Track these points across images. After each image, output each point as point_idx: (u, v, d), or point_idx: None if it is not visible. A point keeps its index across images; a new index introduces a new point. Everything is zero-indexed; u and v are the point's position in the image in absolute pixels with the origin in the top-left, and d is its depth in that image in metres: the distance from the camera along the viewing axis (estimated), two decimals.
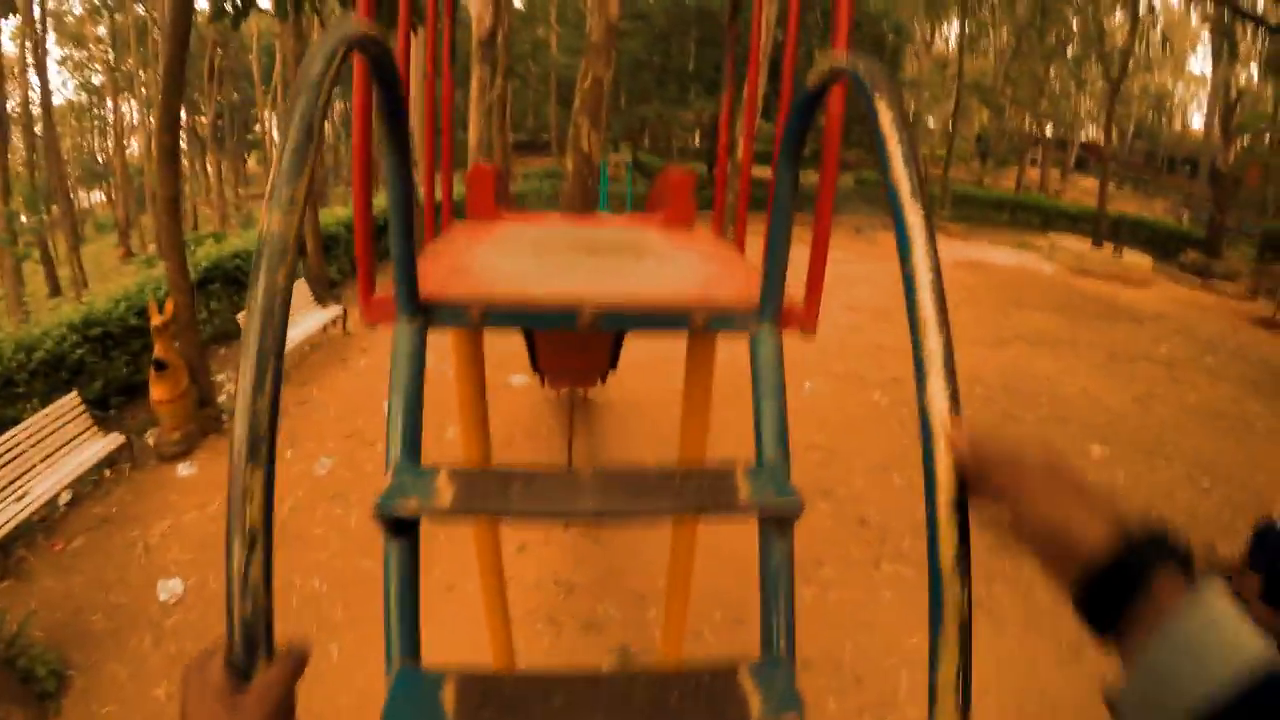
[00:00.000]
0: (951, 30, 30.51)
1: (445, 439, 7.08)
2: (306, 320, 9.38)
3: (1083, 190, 35.81)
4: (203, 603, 5.03)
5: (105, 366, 7.42)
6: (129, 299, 7.85)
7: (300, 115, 0.73)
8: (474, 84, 18.08)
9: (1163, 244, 21.28)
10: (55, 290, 20.35)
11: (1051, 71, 30.32)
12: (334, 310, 9.87)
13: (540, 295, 1.55)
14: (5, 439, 5.51)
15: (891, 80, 0.84)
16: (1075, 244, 18.19)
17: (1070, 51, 27.89)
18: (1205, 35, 31.41)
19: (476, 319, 1.48)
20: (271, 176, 0.72)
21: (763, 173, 25.98)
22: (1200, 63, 37.38)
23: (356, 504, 6.06)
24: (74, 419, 6.12)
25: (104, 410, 7.46)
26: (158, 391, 6.42)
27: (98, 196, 40.50)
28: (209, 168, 26.52)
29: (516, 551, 5.30)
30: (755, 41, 2.49)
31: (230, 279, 9.85)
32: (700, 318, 1.56)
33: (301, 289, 9.82)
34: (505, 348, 9.53)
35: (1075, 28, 25.31)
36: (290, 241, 0.69)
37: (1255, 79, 24.81)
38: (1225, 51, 21.10)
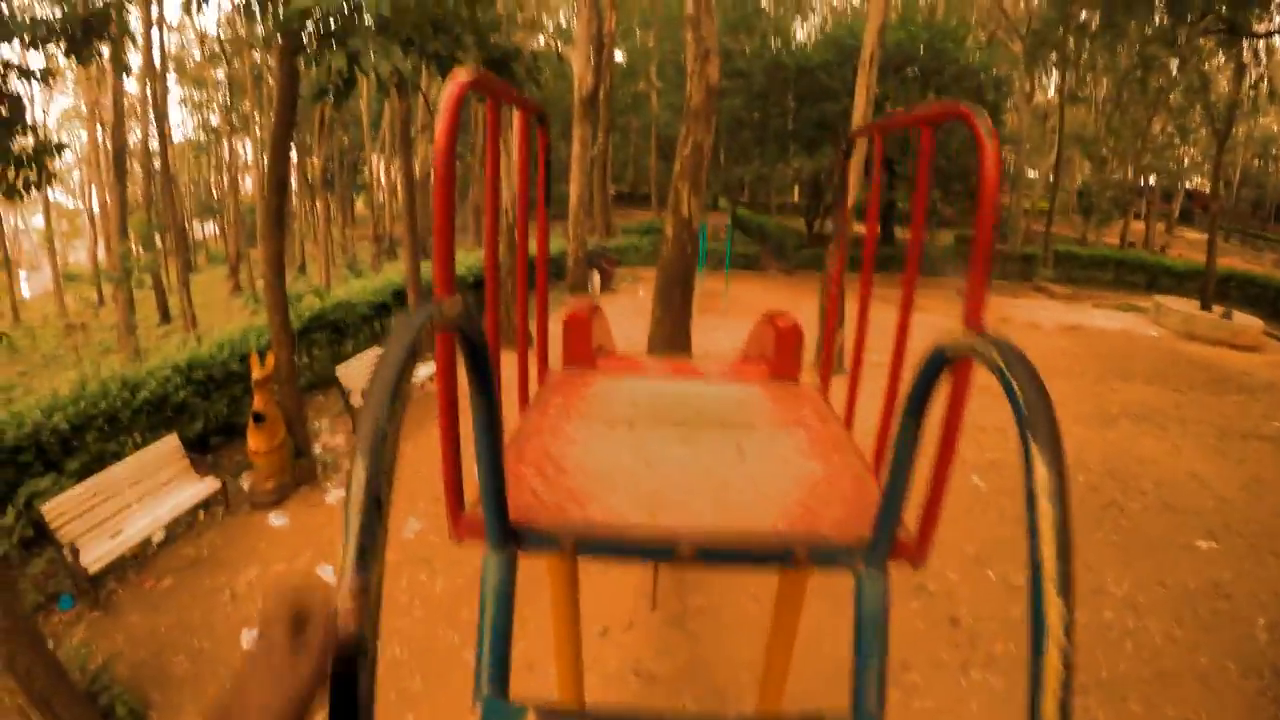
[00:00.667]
0: (1051, 81, 29.69)
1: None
2: None
3: (1189, 243, 33.90)
4: None
5: (206, 407, 7.84)
6: (233, 345, 8.31)
7: (365, 479, 0.59)
8: (575, 142, 18.62)
9: (1273, 302, 19.84)
10: (165, 318, 21.79)
11: (1154, 122, 29.00)
12: (429, 367, 10.12)
13: (637, 526, 1.49)
14: (104, 476, 5.85)
15: (1043, 392, 0.74)
16: (1182, 305, 17.13)
17: (1173, 100, 26.58)
18: None
19: (570, 550, 1.43)
20: (340, 561, 0.59)
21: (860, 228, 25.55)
22: None
23: (441, 571, 6.13)
24: (173, 461, 6.45)
25: (203, 449, 7.88)
26: (255, 442, 6.71)
27: (211, 228, 43.44)
28: (318, 209, 28.06)
29: (599, 636, 5.22)
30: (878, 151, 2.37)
31: (332, 328, 10.35)
32: (803, 553, 1.46)
33: None
34: None
35: (1177, 76, 24.15)
36: (371, 639, 0.57)
37: None
38: None
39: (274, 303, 6.87)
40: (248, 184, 35.77)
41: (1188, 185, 38.65)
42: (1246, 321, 15.88)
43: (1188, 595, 5.88)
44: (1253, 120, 28.95)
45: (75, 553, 5.33)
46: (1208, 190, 40.12)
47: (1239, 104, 19.30)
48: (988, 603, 5.77)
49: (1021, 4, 27.99)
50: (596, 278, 18.43)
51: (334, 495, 7.25)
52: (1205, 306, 16.71)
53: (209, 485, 6.61)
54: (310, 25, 5.36)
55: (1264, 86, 20.53)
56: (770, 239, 27.72)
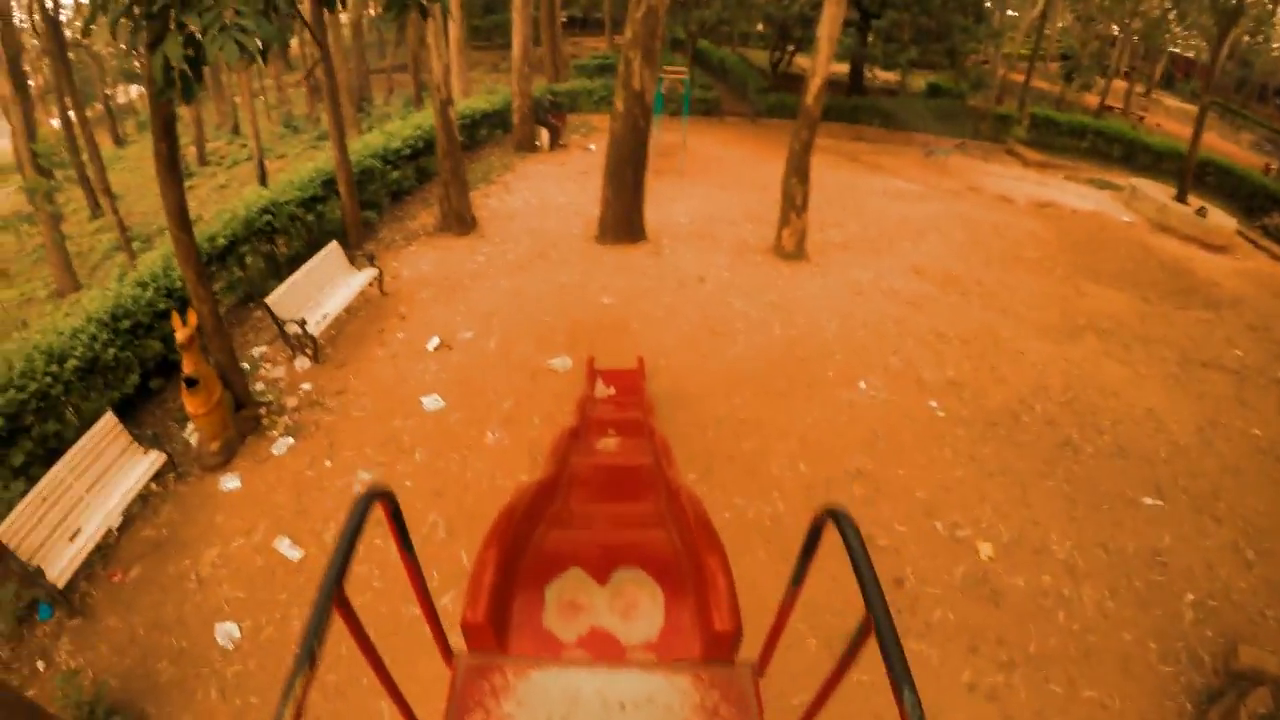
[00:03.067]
0: None
1: (486, 445, 6.92)
2: (342, 289, 9.00)
3: (1167, 111, 32.99)
4: (259, 650, 5.15)
5: (139, 353, 7.37)
6: (155, 281, 7.73)
7: None
8: None
9: (1248, 198, 19.60)
10: (96, 210, 20.29)
11: None
12: (369, 273, 9.48)
13: None
14: (49, 479, 5.52)
15: None
16: (1157, 192, 16.83)
17: None
18: None
19: None
20: None
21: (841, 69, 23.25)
22: None
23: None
24: (114, 441, 6.14)
25: (144, 396, 7.55)
26: (192, 406, 6.37)
27: (136, 89, 39.62)
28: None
29: None
30: None
31: (263, 234, 9.64)
32: None
33: (335, 255, 9.28)
34: (547, 322, 9.06)
35: None
36: None
37: None
38: None
39: (185, 256, 6.30)
40: None
41: (1173, 48, 37.20)
42: (1220, 221, 15.75)
43: (1126, 562, 6.09)
44: None
45: (40, 573, 5.13)
46: (1192, 57, 38.74)
47: None
48: (932, 561, 5.92)
49: None
50: (545, 135, 17.41)
51: (281, 445, 7.01)
52: (1181, 198, 16.47)
53: (155, 459, 6.34)
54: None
55: None
56: (731, 76, 25.97)
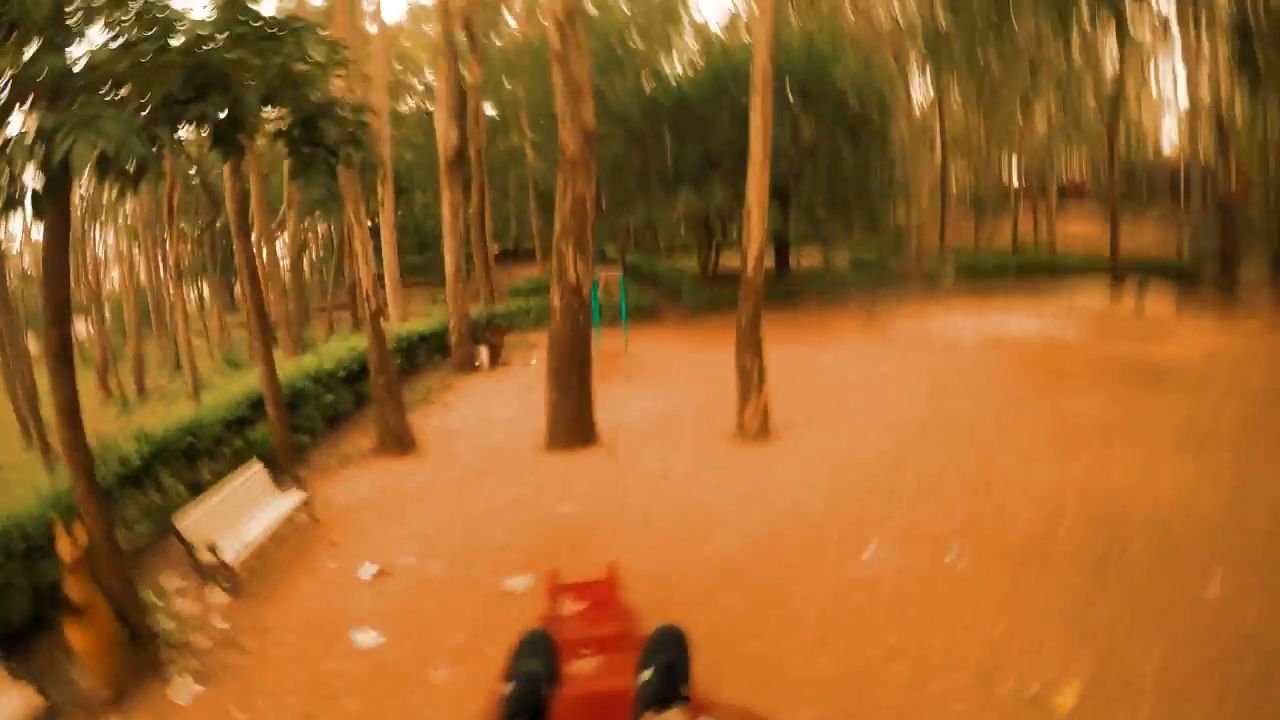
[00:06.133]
0: (924, 89, 30.74)
1: (433, 684, 5.76)
2: (264, 513, 8.05)
3: (1067, 235, 35.42)
4: None
5: (34, 576, 6.16)
6: (51, 499, 6.69)
7: None
8: (445, 205, 17.11)
9: (1171, 279, 20.66)
10: (46, 450, 19.04)
11: (1036, 110, 30.44)
12: (295, 498, 8.50)
13: None
14: None
15: None
16: (1091, 301, 17.49)
17: (1047, 95, 28.02)
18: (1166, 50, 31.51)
19: None
20: None
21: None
22: (1158, 85, 37.40)
23: None
24: None
25: (39, 626, 6.17)
26: (76, 639, 5.22)
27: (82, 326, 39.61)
28: (185, 297, 25.79)
29: None
30: None
31: (185, 456, 8.80)
32: None
33: (259, 476, 8.48)
34: (500, 539, 8.10)
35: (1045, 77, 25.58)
36: None
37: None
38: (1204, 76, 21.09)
39: (76, 464, 5.38)
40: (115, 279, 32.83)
41: (1061, 179, 41.27)
42: (1158, 309, 16.29)
43: (1222, 661, 5.13)
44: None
45: None
46: (1079, 179, 43.22)
47: (1122, 98, 20.16)
48: None
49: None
50: (485, 353, 17.39)
51: (185, 693, 5.64)
52: (1114, 299, 17.06)
53: (26, 700, 5.02)
54: None
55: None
56: (664, 283, 27.08)
